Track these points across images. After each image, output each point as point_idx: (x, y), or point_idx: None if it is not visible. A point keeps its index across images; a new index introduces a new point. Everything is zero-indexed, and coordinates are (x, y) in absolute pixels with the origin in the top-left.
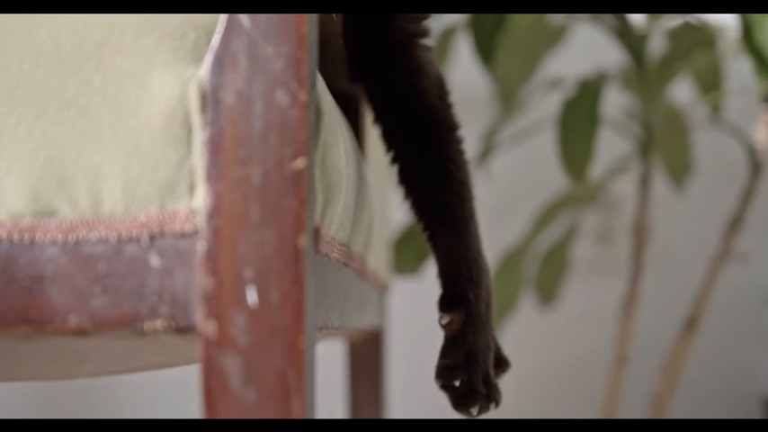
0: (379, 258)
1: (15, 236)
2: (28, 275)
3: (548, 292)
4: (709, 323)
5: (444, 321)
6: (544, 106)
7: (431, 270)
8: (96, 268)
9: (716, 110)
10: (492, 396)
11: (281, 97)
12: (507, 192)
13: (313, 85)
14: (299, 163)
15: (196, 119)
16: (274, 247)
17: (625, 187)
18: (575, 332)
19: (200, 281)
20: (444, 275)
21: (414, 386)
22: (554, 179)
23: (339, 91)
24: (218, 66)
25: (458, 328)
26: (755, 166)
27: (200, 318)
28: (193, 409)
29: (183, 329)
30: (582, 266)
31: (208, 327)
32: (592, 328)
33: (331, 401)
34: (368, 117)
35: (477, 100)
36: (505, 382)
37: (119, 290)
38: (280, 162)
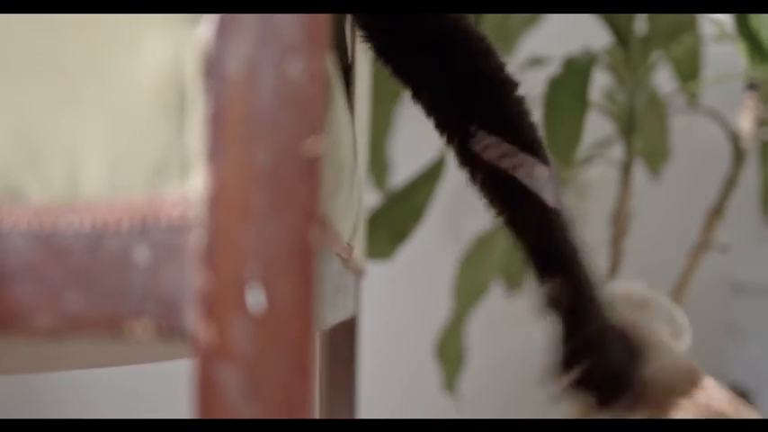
0: (359, 243)
1: None
2: None
3: (515, 279)
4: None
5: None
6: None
7: (402, 253)
8: (70, 261)
9: (693, 96)
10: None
11: (295, 66)
12: None
13: (329, 53)
14: (314, 144)
15: (191, 89)
16: (282, 241)
17: (594, 172)
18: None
19: (195, 278)
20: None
21: (383, 375)
22: None
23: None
24: (223, 27)
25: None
26: (739, 154)
27: (193, 322)
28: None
29: (173, 334)
30: None
31: (203, 332)
32: None
33: None
34: (356, 87)
35: None
36: (474, 370)
37: (97, 287)
38: (290, 142)
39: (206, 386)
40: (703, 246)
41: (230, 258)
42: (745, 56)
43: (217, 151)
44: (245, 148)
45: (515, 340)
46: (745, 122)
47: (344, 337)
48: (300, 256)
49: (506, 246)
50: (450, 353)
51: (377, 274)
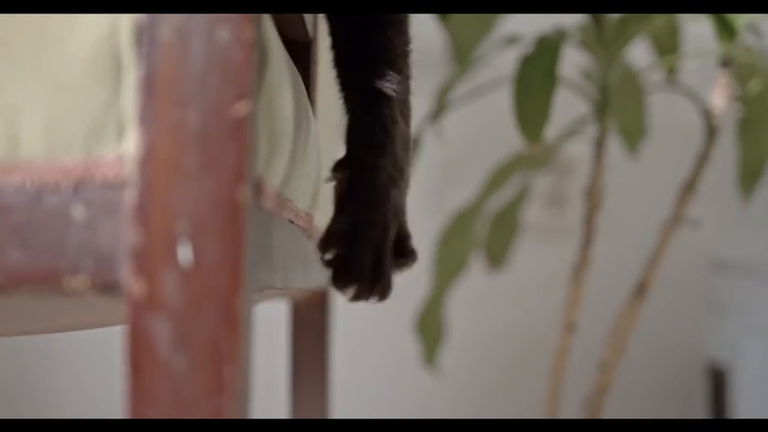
0: (326, 216)
1: None
2: None
3: (497, 255)
4: (656, 288)
5: (331, 181)
6: (500, 64)
7: None
8: (11, 218)
9: (672, 73)
10: (378, 282)
11: (224, 33)
12: (460, 151)
13: (258, 23)
14: (242, 107)
15: (127, 55)
16: (211, 200)
17: (578, 150)
18: (524, 296)
19: (128, 235)
20: (348, 140)
21: (357, 351)
22: (508, 139)
23: (291, 40)
24: None
25: (343, 191)
26: (711, 131)
27: (126, 276)
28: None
29: (108, 288)
30: (533, 230)
31: (135, 286)
32: (542, 292)
33: (273, 364)
34: (320, 68)
35: (432, 56)
36: (453, 345)
37: (36, 243)
38: (219, 105)
39: (137, 338)
40: (675, 221)
41: (161, 215)
42: (714, 33)
43: (149, 113)
44: (176, 110)
45: (496, 315)
46: (717, 99)
47: (316, 310)
48: (229, 214)
49: (487, 221)
50: (430, 328)
51: None
